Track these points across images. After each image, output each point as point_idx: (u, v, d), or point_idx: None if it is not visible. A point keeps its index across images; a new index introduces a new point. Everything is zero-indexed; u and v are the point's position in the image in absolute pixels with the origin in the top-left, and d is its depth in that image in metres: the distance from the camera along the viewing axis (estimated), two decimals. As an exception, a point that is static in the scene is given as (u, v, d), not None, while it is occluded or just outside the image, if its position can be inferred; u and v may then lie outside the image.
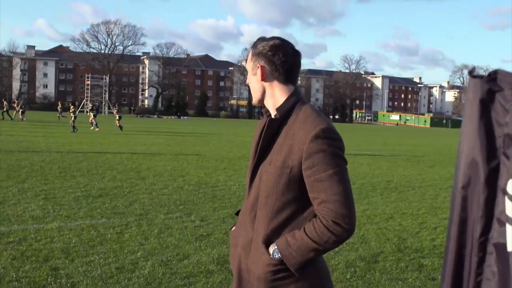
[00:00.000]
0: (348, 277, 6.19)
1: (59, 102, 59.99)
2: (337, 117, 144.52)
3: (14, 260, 6.25)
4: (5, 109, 50.83)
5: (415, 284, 6.05)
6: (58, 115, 54.63)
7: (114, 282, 5.66)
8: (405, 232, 8.70)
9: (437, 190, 13.90)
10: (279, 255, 2.37)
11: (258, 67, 2.52)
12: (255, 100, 2.63)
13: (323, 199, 2.31)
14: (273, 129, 2.50)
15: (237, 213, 2.79)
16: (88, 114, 40.19)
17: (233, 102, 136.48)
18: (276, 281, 2.39)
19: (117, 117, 39.42)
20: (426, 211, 10.63)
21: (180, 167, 16.33)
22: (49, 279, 5.63)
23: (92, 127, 38.19)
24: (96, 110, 46.46)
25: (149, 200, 10.47)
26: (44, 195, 10.48)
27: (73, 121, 33.96)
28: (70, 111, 35.44)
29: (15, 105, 54.43)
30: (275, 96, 2.53)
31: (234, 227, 2.72)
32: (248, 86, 2.67)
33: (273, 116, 2.54)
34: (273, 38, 2.55)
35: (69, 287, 5.46)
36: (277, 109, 2.51)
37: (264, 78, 2.52)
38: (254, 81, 2.57)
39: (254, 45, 2.58)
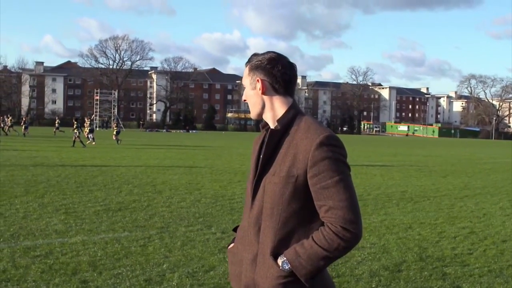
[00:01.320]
0: (373, 286, 6.25)
1: (57, 117, 60.69)
2: (345, 128, 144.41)
3: (43, 273, 6.35)
4: (1, 125, 51.62)
5: (440, 293, 6.10)
6: (54, 130, 55.27)
7: (144, 293, 5.74)
8: (425, 241, 8.74)
9: (452, 200, 13.92)
10: (289, 266, 2.36)
11: (258, 80, 2.54)
12: (253, 114, 2.64)
13: (330, 206, 2.32)
14: (275, 141, 2.51)
15: (234, 230, 2.78)
16: (85, 129, 40.66)
17: (230, 115, 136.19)
18: None
19: (115, 132, 40.92)
20: (444, 221, 10.66)
21: (195, 181, 16.42)
22: (80, 292, 5.72)
23: (88, 141, 38.46)
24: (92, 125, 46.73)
25: (169, 213, 10.55)
26: (65, 209, 10.59)
27: (78, 136, 34.26)
28: (74, 127, 35.47)
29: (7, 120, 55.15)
30: (274, 109, 2.55)
31: (232, 244, 2.72)
32: (247, 102, 2.66)
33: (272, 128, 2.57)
34: (268, 52, 2.58)
35: (100, 299, 5.55)
36: (278, 121, 2.53)
37: (264, 91, 2.54)
38: (253, 95, 2.58)
39: (249, 61, 2.60)
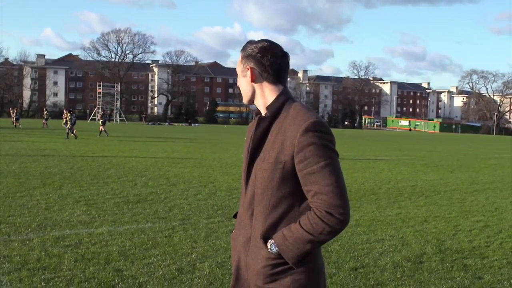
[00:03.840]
0: (398, 276, 6.43)
1: (44, 109, 60.51)
2: (347, 123, 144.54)
3: (77, 262, 6.53)
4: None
5: (463, 283, 6.29)
6: (43, 121, 55.51)
7: (178, 282, 5.92)
8: (442, 234, 8.92)
9: (462, 194, 14.09)
10: (276, 248, 2.44)
11: (248, 68, 2.61)
12: (245, 100, 2.71)
13: (316, 191, 2.36)
14: (264, 127, 2.56)
15: (234, 216, 2.85)
16: (98, 122, 41.05)
17: (220, 108, 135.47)
18: (274, 275, 2.46)
19: (101, 122, 40.94)
20: (458, 215, 10.84)
21: (206, 174, 16.59)
22: (116, 280, 5.90)
23: (101, 134, 38.78)
24: (107, 117, 47.15)
25: (187, 205, 10.73)
26: (85, 201, 10.77)
27: (71, 128, 34.29)
28: (67, 118, 35.41)
29: (11, 113, 55.20)
30: (265, 96, 2.61)
31: (234, 230, 2.78)
32: (239, 88, 2.75)
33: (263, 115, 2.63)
34: (261, 40, 2.63)
35: (137, 286, 5.73)
36: (267, 108, 2.59)
37: (253, 79, 2.60)
38: (244, 82, 2.66)
39: (244, 48, 2.66)
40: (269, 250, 2.46)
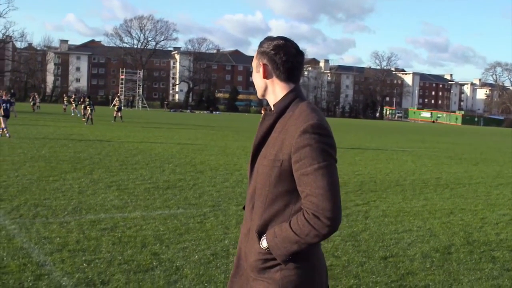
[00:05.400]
0: (428, 266, 6.56)
1: (64, 95, 60.55)
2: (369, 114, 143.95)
3: (115, 245, 6.75)
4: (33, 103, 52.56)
5: (492, 274, 6.40)
6: (63, 107, 55.95)
7: (214, 266, 6.11)
8: (468, 226, 9.02)
9: (487, 187, 14.13)
10: (267, 244, 2.48)
11: (261, 65, 2.64)
12: (258, 95, 2.76)
13: (307, 192, 2.35)
14: (268, 124, 2.59)
15: (244, 208, 2.85)
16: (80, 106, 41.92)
17: (241, 96, 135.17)
18: (264, 269, 2.49)
19: (116, 109, 41.41)
20: (483, 207, 10.91)
21: (232, 162, 16.79)
22: (154, 263, 6.11)
23: (116, 120, 39.73)
24: (122, 104, 47.66)
25: (216, 192, 10.93)
26: (116, 186, 11.02)
27: (90, 114, 34.67)
28: (86, 103, 35.85)
29: (30, 99, 56.02)
30: (275, 93, 2.63)
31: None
32: (253, 82, 2.77)
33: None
34: (278, 38, 2.65)
35: (175, 269, 5.93)
36: (274, 105, 2.62)
37: (266, 76, 2.63)
38: (257, 77, 2.68)
39: (260, 44, 2.68)
40: (260, 245, 2.50)
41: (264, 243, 2.48)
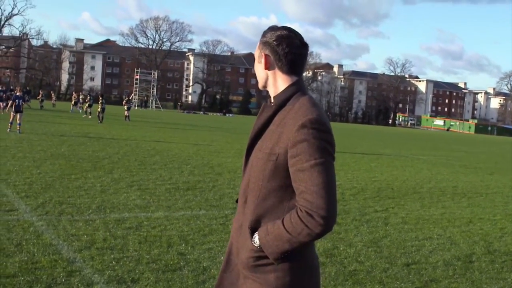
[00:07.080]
0: (450, 274, 6.62)
1: (74, 93, 59.74)
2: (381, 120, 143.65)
3: (141, 244, 6.87)
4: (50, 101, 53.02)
5: (515, 284, 6.45)
6: (71, 106, 53.05)
7: (239, 268, 6.20)
8: (488, 236, 9.06)
9: (504, 197, 14.14)
10: (259, 242, 2.39)
11: (263, 55, 2.55)
12: (260, 86, 2.66)
13: (302, 189, 2.27)
14: (267, 116, 2.52)
15: (237, 201, 2.72)
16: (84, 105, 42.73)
17: (254, 99, 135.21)
18: (257, 267, 2.41)
19: (126, 108, 42.25)
20: (502, 217, 10.94)
21: (249, 165, 16.86)
22: (181, 263, 6.21)
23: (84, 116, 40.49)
24: (131, 104, 48.32)
25: (236, 195, 11.02)
26: (137, 186, 11.15)
27: (102, 112, 34.96)
28: (99, 102, 36.02)
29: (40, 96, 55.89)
30: (276, 85, 2.54)
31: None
32: (255, 73, 2.67)
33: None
34: (281, 28, 2.55)
35: (202, 270, 6.02)
36: (274, 97, 2.54)
37: (267, 67, 2.54)
38: (259, 68, 2.60)
39: (264, 34, 2.59)
40: (253, 242, 2.42)
41: (256, 240, 2.40)
